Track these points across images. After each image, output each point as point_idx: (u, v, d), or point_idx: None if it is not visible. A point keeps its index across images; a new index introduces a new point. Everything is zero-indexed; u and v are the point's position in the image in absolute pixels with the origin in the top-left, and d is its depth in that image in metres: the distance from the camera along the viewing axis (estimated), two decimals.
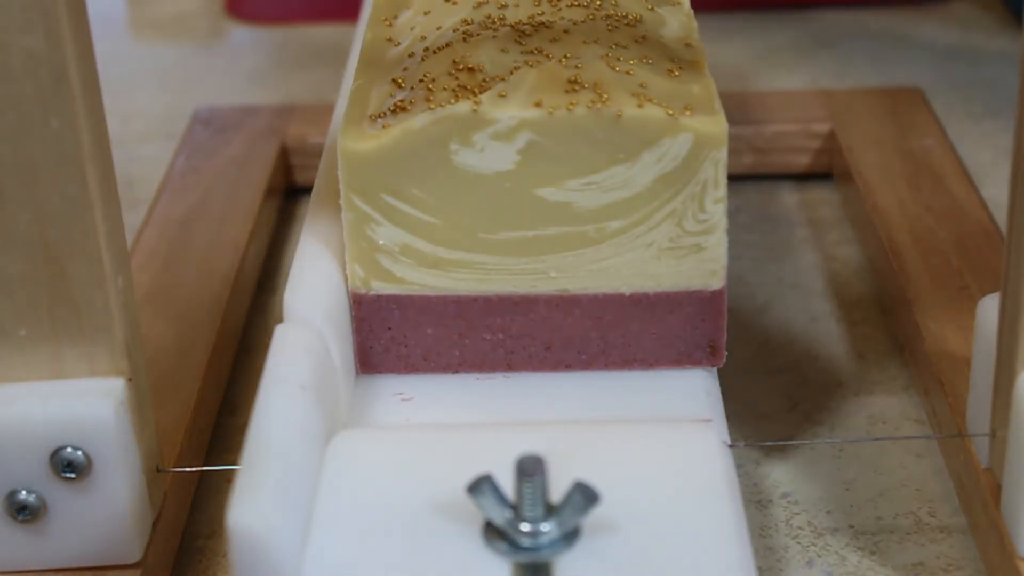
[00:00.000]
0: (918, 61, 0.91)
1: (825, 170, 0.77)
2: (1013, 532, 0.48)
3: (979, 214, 0.68)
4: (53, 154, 0.45)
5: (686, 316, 0.51)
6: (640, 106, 0.48)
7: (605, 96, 0.48)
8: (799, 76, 0.91)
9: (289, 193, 0.78)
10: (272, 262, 0.72)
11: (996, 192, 0.74)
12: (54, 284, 0.46)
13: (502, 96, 0.49)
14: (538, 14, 0.54)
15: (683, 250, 0.50)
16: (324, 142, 0.60)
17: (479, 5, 0.55)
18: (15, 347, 0.47)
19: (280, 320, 0.50)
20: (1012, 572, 0.48)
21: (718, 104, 0.49)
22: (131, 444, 0.48)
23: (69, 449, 0.47)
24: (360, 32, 0.61)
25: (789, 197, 0.77)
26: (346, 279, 0.51)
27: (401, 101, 0.50)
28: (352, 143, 0.49)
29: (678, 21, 0.55)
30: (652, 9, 0.55)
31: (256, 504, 0.41)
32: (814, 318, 0.66)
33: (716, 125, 0.48)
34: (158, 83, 0.93)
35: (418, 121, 0.48)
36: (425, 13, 0.56)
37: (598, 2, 0.55)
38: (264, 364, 0.47)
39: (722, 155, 0.48)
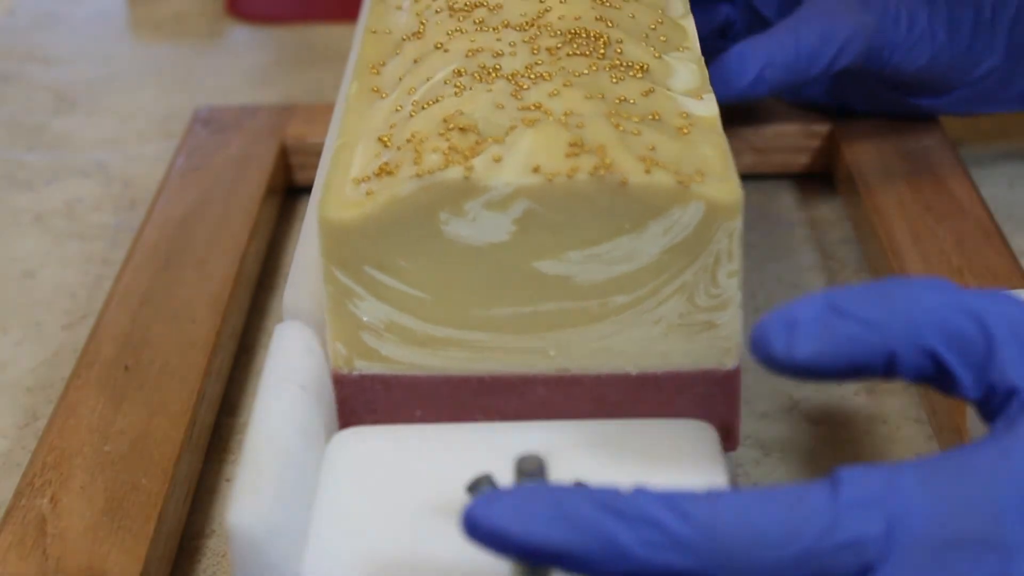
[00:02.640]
0: None
1: (825, 170, 0.77)
2: None
3: (979, 214, 0.68)
4: None
5: (697, 397, 0.47)
6: (647, 172, 0.44)
7: (609, 160, 0.44)
8: None
9: (289, 193, 0.78)
10: (272, 261, 0.72)
11: (996, 192, 0.74)
12: None
13: (496, 160, 0.45)
14: (536, 63, 0.50)
15: (694, 327, 0.46)
16: (324, 141, 0.59)
17: (472, 53, 0.51)
18: None
19: (280, 319, 0.50)
20: None
21: (732, 168, 0.46)
22: None
23: None
24: (359, 33, 0.60)
25: (789, 197, 0.77)
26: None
27: (387, 163, 0.46)
28: (333, 212, 0.45)
29: (688, 70, 0.51)
30: (659, 57, 0.51)
31: (256, 503, 0.41)
32: None
33: (730, 193, 0.45)
34: (158, 83, 0.93)
35: (405, 188, 0.45)
36: (415, 61, 0.52)
37: (601, 50, 0.51)
38: (264, 364, 0.47)
39: (736, 225, 0.45)
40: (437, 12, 0.55)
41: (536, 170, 0.44)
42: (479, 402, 0.47)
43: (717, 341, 0.46)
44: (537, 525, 0.36)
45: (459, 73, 0.50)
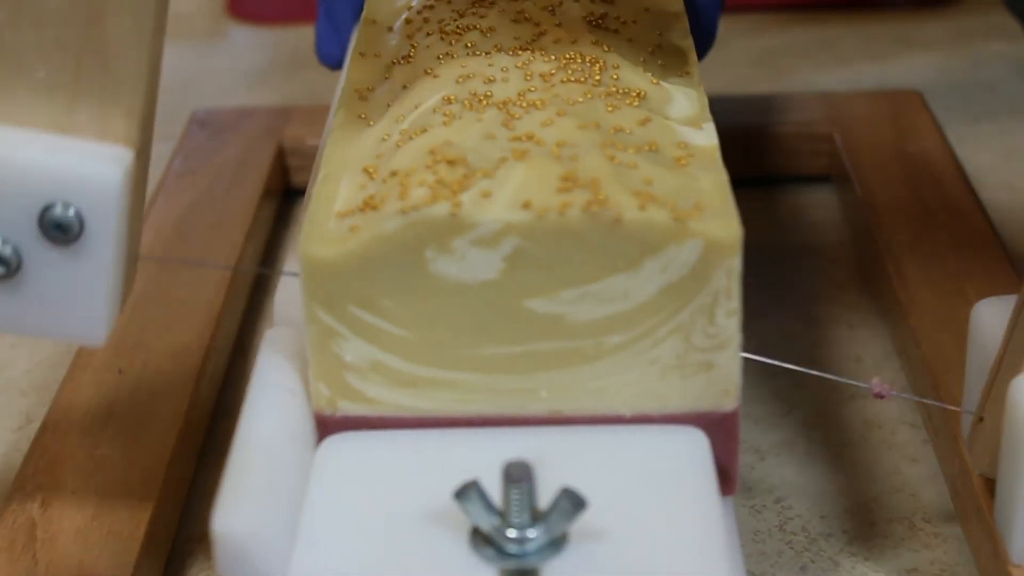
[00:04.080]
0: (918, 63, 0.91)
1: (824, 172, 0.77)
2: (1007, 539, 0.47)
3: (977, 217, 0.67)
4: None
5: None
6: (642, 208, 0.43)
7: (603, 196, 0.43)
8: (799, 78, 0.90)
9: (286, 195, 0.78)
10: (269, 264, 0.72)
11: (995, 195, 0.74)
12: (90, 28, 0.42)
13: (485, 195, 0.43)
14: (529, 90, 0.48)
15: (691, 368, 0.44)
16: (321, 143, 0.59)
17: (463, 79, 0.49)
18: (30, 87, 0.44)
19: (272, 323, 0.50)
20: None
21: (731, 203, 0.44)
22: (125, 220, 0.45)
23: (61, 207, 0.44)
24: (355, 34, 0.60)
25: (789, 198, 0.76)
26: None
27: (372, 197, 0.45)
28: (315, 249, 0.43)
29: (687, 97, 0.50)
30: (658, 83, 0.50)
31: (241, 508, 0.41)
32: (811, 321, 0.66)
33: (729, 230, 0.43)
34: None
35: (390, 225, 0.43)
36: (404, 87, 0.51)
37: (597, 76, 0.49)
38: (253, 367, 0.47)
39: (736, 263, 0.43)
40: (428, 35, 0.53)
41: (527, 206, 0.43)
42: None
43: (715, 383, 0.45)
44: None
45: (448, 101, 0.48)
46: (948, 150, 0.74)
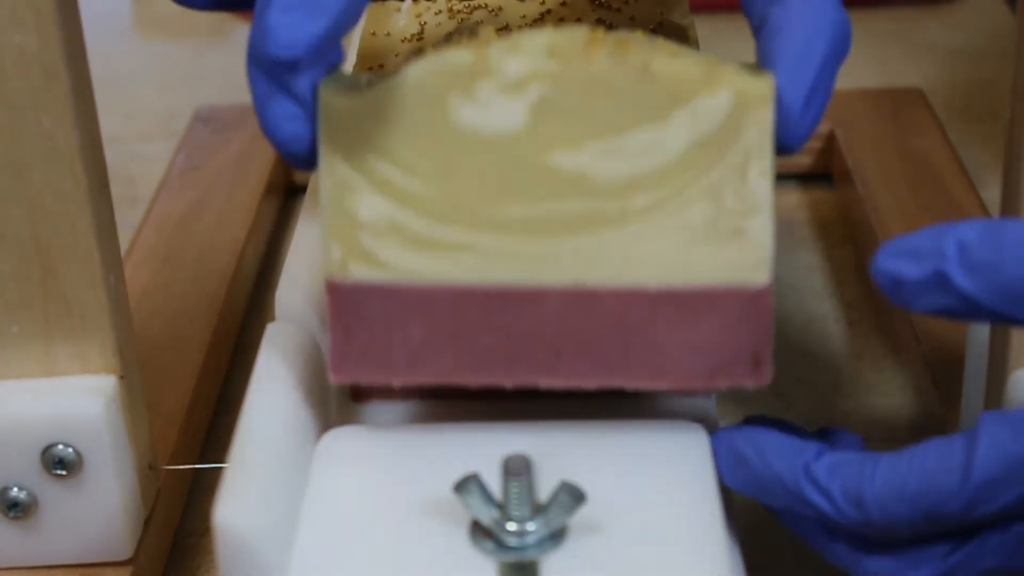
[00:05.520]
0: (919, 61, 0.91)
1: (825, 170, 0.77)
2: None
3: (978, 216, 0.67)
4: (44, 152, 0.45)
5: (724, 318, 0.43)
6: (672, 57, 0.42)
7: (631, 49, 0.42)
8: None
9: (289, 192, 0.78)
10: (271, 260, 0.72)
11: (996, 194, 0.73)
12: (46, 282, 0.46)
13: (512, 47, 0.42)
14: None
15: (721, 234, 0.42)
16: None
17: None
18: (7, 344, 0.47)
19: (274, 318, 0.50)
20: None
21: (760, 70, 0.43)
22: (123, 441, 0.48)
23: (60, 446, 0.47)
24: (358, 32, 0.60)
25: (789, 197, 0.77)
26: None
27: (396, 67, 0.43)
28: (335, 96, 0.42)
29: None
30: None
31: (243, 503, 0.41)
32: (812, 319, 0.66)
33: (761, 82, 0.42)
34: (161, 81, 0.93)
35: (413, 71, 0.42)
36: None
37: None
38: (255, 362, 0.47)
39: (768, 117, 0.42)
40: (437, 14, 0.55)
41: (554, 53, 0.42)
42: (486, 320, 0.43)
43: (747, 252, 0.42)
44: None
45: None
46: (949, 148, 0.74)
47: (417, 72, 0.42)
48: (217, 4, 0.53)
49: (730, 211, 0.42)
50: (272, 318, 0.52)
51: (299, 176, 0.77)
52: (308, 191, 0.56)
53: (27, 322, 0.47)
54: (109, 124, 0.85)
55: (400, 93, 0.42)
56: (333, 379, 0.44)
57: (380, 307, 0.43)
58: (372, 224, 0.43)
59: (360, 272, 0.43)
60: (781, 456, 0.43)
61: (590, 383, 0.44)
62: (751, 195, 0.42)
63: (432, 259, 0.43)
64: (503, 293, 0.43)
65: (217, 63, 0.95)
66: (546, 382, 0.44)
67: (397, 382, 0.44)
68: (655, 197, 0.42)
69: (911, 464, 0.41)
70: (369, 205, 0.43)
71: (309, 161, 0.43)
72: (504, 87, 0.42)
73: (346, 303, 0.43)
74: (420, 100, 0.42)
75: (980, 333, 0.50)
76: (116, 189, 0.78)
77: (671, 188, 0.42)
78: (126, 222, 0.74)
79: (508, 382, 0.44)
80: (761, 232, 0.42)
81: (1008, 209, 0.46)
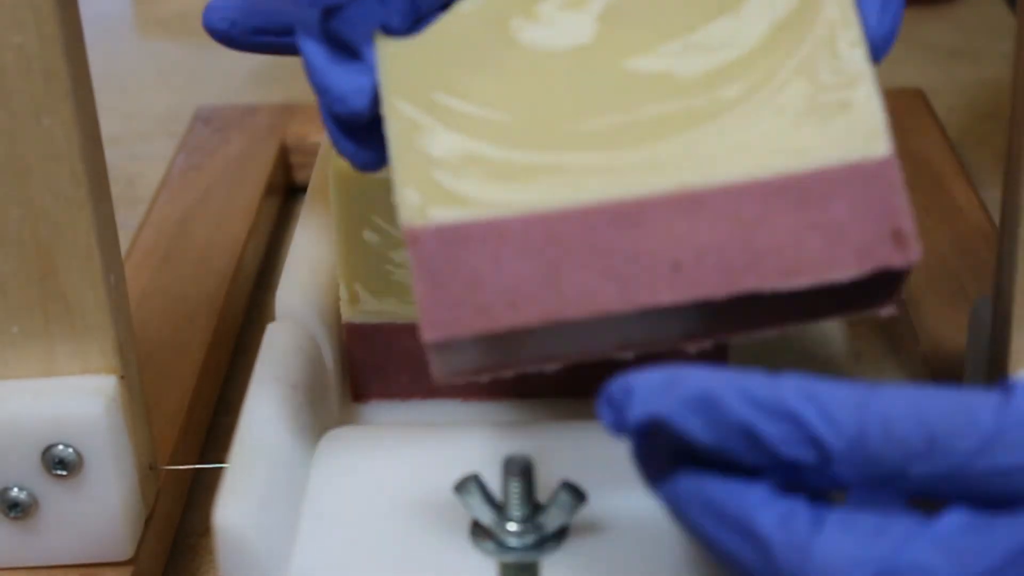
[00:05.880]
0: (919, 62, 0.91)
1: None
2: None
3: (977, 216, 0.67)
4: (44, 152, 0.45)
5: (849, 199, 0.39)
6: None
7: None
8: None
9: (289, 192, 0.78)
10: (271, 260, 0.72)
11: (996, 194, 0.73)
12: (46, 282, 0.46)
13: None
14: None
15: (825, 111, 0.39)
16: (324, 141, 0.60)
17: None
18: (8, 344, 0.47)
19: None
20: None
21: None
22: (123, 442, 0.48)
23: (60, 446, 0.47)
24: None
25: None
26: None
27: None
28: (392, 44, 0.40)
29: None
30: None
31: (243, 503, 0.41)
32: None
33: None
34: (163, 81, 0.93)
35: (468, 3, 0.41)
36: None
37: None
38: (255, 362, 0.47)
39: None
40: None
41: None
42: (588, 244, 0.39)
43: (857, 124, 0.39)
44: (681, 417, 0.35)
45: None
46: (949, 148, 0.74)
47: (472, 3, 0.40)
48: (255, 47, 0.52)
49: (828, 86, 0.40)
50: (272, 318, 0.52)
51: (299, 176, 0.77)
52: (309, 190, 0.56)
53: (27, 322, 0.47)
54: (109, 124, 0.85)
55: (458, 24, 0.40)
56: (427, 338, 0.38)
57: (468, 249, 0.39)
58: (447, 161, 0.39)
59: (441, 214, 0.39)
60: (756, 384, 0.36)
61: (719, 291, 0.38)
62: (846, 66, 0.40)
63: (518, 187, 0.39)
64: (602, 210, 0.39)
65: (217, 63, 0.95)
66: (668, 298, 0.38)
67: (499, 328, 0.38)
68: (746, 85, 0.40)
69: (927, 395, 0.35)
70: (441, 142, 0.39)
71: (367, 125, 0.41)
72: (566, 3, 0.40)
73: (430, 251, 0.39)
74: (480, 28, 0.40)
75: (980, 333, 0.50)
76: (117, 189, 0.78)
77: (761, 73, 0.40)
78: (126, 222, 0.74)
79: (624, 306, 0.38)
80: (867, 101, 0.40)
81: (1009, 209, 0.46)
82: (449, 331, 0.38)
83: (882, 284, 0.40)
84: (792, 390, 0.35)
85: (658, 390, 0.36)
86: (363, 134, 0.42)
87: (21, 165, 0.45)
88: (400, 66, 0.40)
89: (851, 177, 0.39)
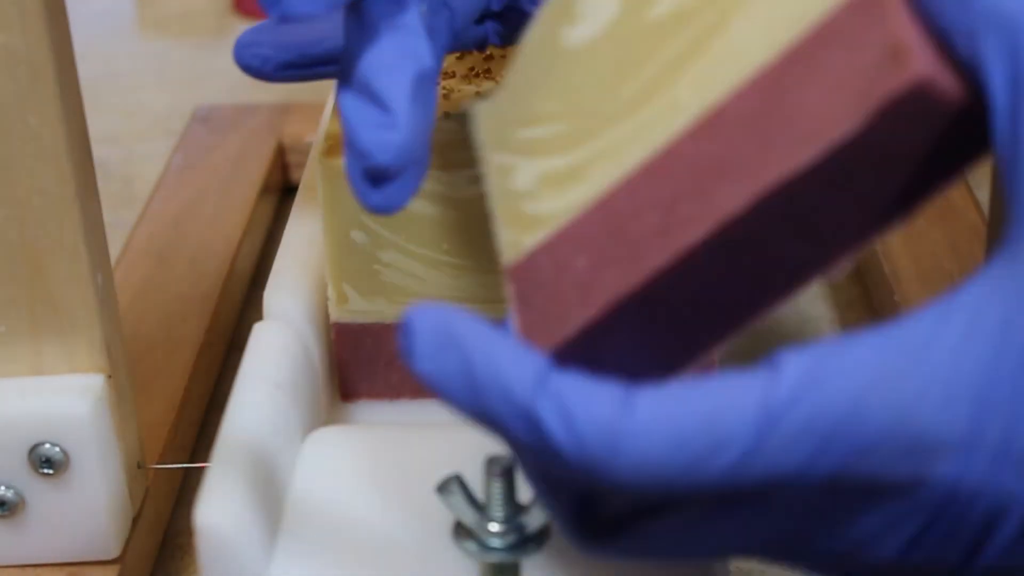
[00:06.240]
0: None
1: None
2: None
3: (973, 216, 0.67)
4: (31, 151, 0.45)
5: (849, 39, 0.36)
6: None
7: None
8: None
9: (285, 191, 0.78)
10: (266, 260, 0.72)
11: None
12: (33, 281, 0.46)
13: None
14: None
15: None
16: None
17: None
18: None
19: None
20: None
21: None
22: (110, 441, 0.48)
23: (47, 445, 0.47)
24: None
25: None
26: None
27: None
28: (478, 104, 0.42)
29: None
30: None
31: (225, 502, 0.41)
32: (806, 320, 0.66)
33: None
34: (163, 80, 0.93)
35: (531, 33, 0.41)
36: None
37: None
38: (241, 362, 0.47)
39: None
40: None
41: None
42: (634, 207, 0.38)
43: None
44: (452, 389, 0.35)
45: None
46: None
47: (534, 31, 0.41)
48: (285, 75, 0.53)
49: None
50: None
51: (295, 175, 0.77)
52: (299, 190, 0.56)
53: (14, 321, 0.47)
54: (109, 123, 0.86)
55: (523, 58, 0.41)
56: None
57: (547, 263, 0.39)
58: (528, 190, 0.40)
59: (529, 242, 0.40)
60: (516, 351, 0.35)
61: (756, 188, 0.36)
62: None
63: (582, 186, 0.39)
64: (643, 174, 0.38)
65: (217, 63, 0.95)
66: (728, 208, 0.36)
67: (579, 323, 0.38)
68: None
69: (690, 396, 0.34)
70: (524, 174, 0.40)
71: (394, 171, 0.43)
72: None
73: (525, 279, 0.39)
74: (539, 51, 0.41)
75: None
76: (115, 188, 0.78)
77: None
78: (124, 221, 0.74)
79: (677, 246, 0.37)
80: None
81: (998, 209, 0.46)
82: (543, 344, 0.38)
83: (941, 128, 0.36)
84: (548, 398, 0.34)
85: (433, 349, 0.35)
86: (383, 182, 0.43)
87: (8, 164, 0.45)
88: (490, 121, 0.41)
89: (848, 18, 0.36)
